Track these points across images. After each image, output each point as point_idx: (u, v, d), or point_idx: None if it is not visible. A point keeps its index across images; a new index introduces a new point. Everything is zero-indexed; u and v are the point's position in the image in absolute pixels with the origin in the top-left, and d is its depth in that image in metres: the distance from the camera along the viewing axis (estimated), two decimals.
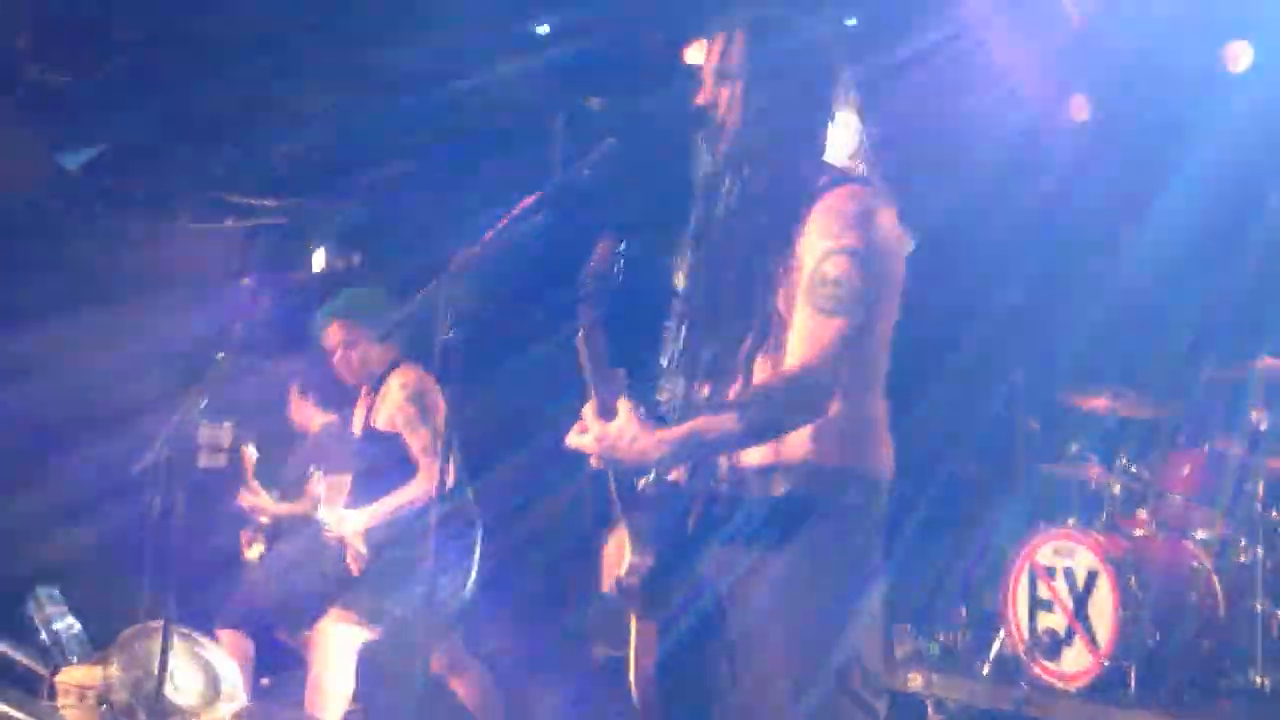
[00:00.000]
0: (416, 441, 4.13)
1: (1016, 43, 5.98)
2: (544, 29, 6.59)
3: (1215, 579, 4.92)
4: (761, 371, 2.22)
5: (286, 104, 7.56)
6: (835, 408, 2.14)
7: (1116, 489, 5.26)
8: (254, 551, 5.50)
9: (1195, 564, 4.98)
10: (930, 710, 5.44)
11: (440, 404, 4.20)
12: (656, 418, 2.22)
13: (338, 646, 4.04)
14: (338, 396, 5.28)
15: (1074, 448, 5.41)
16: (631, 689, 2.30)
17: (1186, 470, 5.09)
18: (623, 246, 2.19)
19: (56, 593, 5.43)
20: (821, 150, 2.31)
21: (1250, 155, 5.82)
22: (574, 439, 2.15)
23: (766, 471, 2.22)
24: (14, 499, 6.00)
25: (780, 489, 2.21)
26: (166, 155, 7.30)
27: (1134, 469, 5.24)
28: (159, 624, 4.08)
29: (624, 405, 2.10)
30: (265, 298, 4.35)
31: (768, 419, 2.10)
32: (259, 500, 5.47)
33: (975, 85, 6.33)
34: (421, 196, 7.15)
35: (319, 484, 4.31)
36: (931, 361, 8.07)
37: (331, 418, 5.57)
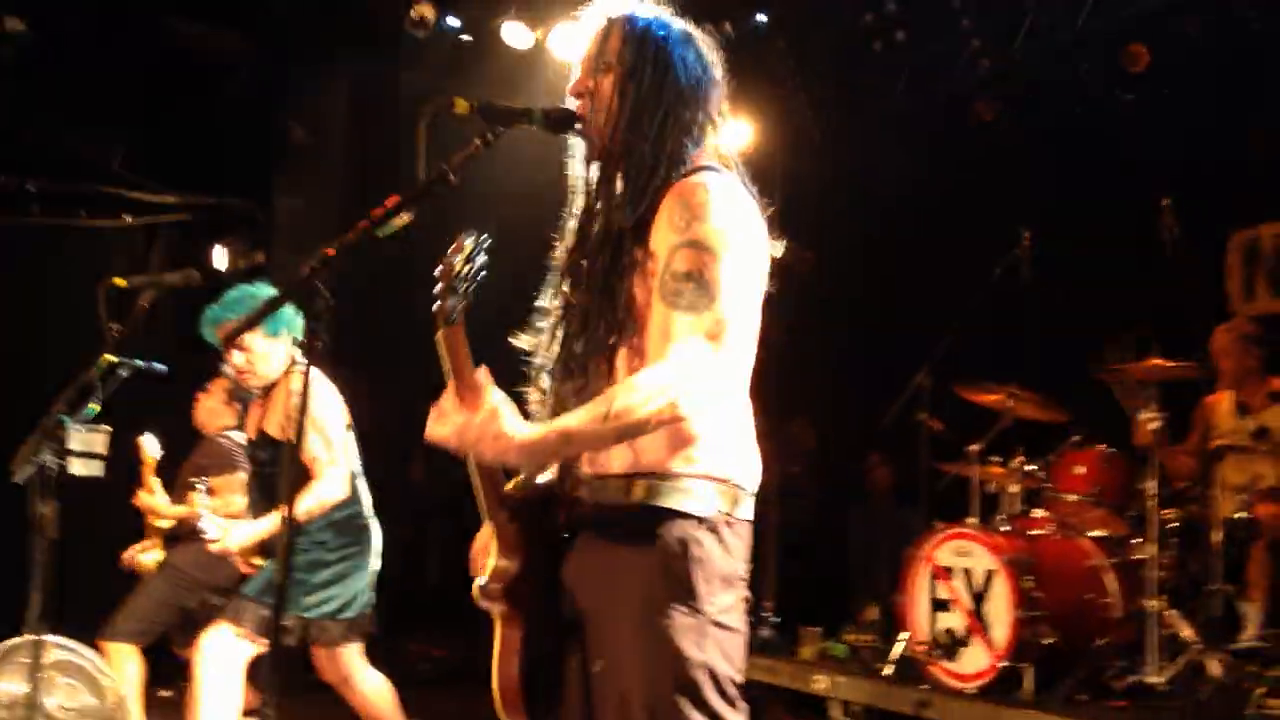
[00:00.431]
0: (306, 448, 4.02)
1: None
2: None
3: (1110, 578, 5.00)
4: (626, 366, 2.18)
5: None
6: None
7: (1014, 488, 5.32)
8: (150, 558, 5.35)
9: (1091, 563, 5.05)
10: (834, 712, 5.47)
11: (328, 409, 4.10)
12: (524, 415, 2.17)
13: (224, 659, 3.92)
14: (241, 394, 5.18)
15: (974, 448, 5.46)
16: (494, 690, 2.25)
17: (1082, 470, 5.16)
18: (483, 240, 2.13)
19: None
20: (691, 150, 2.24)
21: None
22: (432, 429, 2.09)
23: (626, 477, 2.18)
24: None
25: (638, 495, 2.17)
26: (63, 150, 7.12)
27: (1030, 468, 5.30)
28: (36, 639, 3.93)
29: (487, 397, 2.06)
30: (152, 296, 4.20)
31: (626, 420, 2.04)
32: (154, 502, 5.33)
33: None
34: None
35: (202, 493, 4.17)
36: (836, 363, 8.19)
37: (233, 420, 5.47)
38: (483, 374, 2.09)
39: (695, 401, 2.06)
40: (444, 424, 2.08)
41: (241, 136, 7.73)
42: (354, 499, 4.22)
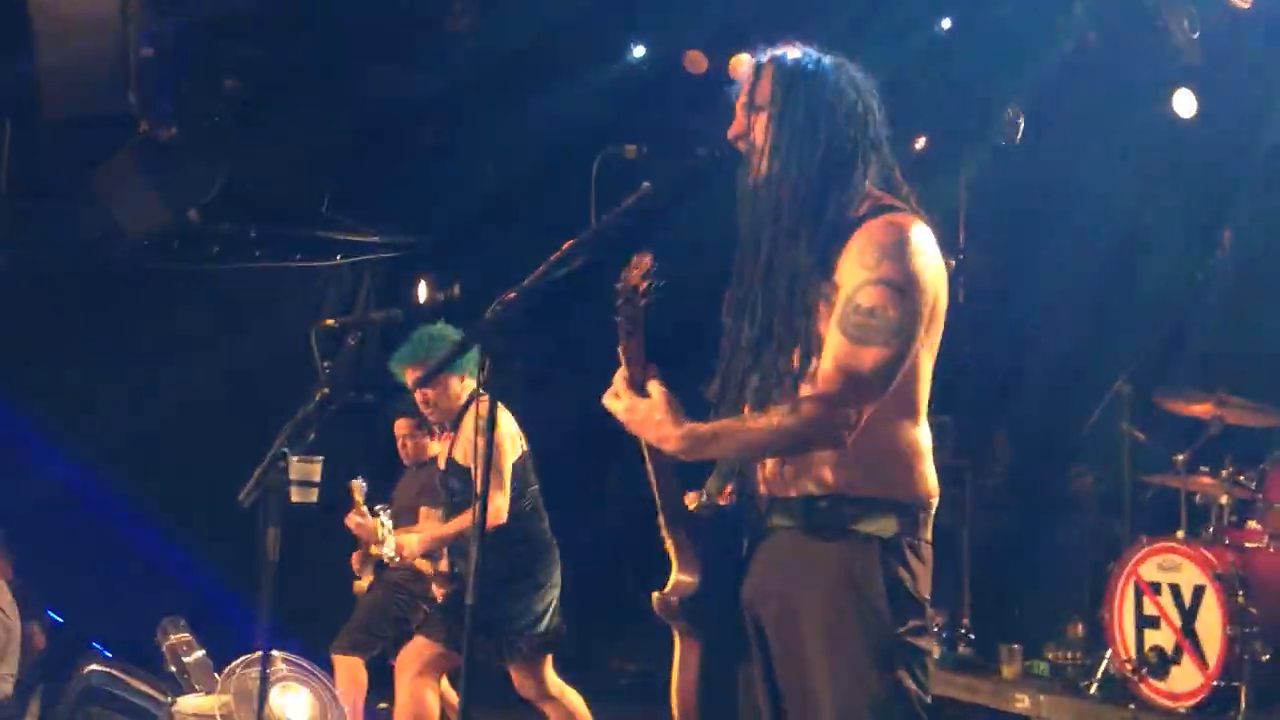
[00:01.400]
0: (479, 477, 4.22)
1: None
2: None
3: None
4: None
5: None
6: (864, 437, 2.16)
7: (1224, 500, 5.10)
8: (364, 579, 5.66)
9: None
10: None
11: (505, 439, 4.28)
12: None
13: (420, 672, 4.14)
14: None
15: (1181, 458, 5.26)
16: (672, 704, 2.34)
17: None
18: (656, 263, 2.21)
19: (183, 621, 5.64)
20: (859, 180, 2.31)
21: None
22: (608, 400, 2.27)
23: (811, 499, 2.25)
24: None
25: (825, 518, 2.24)
26: (276, 197, 7.63)
27: (1242, 479, 5.07)
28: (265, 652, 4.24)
29: (656, 386, 2.22)
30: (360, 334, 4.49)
31: (788, 437, 2.15)
32: (367, 525, 5.64)
33: None
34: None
35: (383, 518, 4.38)
36: (1036, 375, 7.98)
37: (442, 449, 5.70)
38: (655, 372, 2.25)
39: (854, 431, 2.14)
40: (617, 401, 2.26)
41: (441, 175, 8.13)
42: (536, 518, 4.40)
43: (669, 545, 2.34)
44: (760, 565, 2.34)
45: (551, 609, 4.36)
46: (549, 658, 4.41)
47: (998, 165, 8.13)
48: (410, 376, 4.37)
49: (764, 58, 2.37)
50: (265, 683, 4.01)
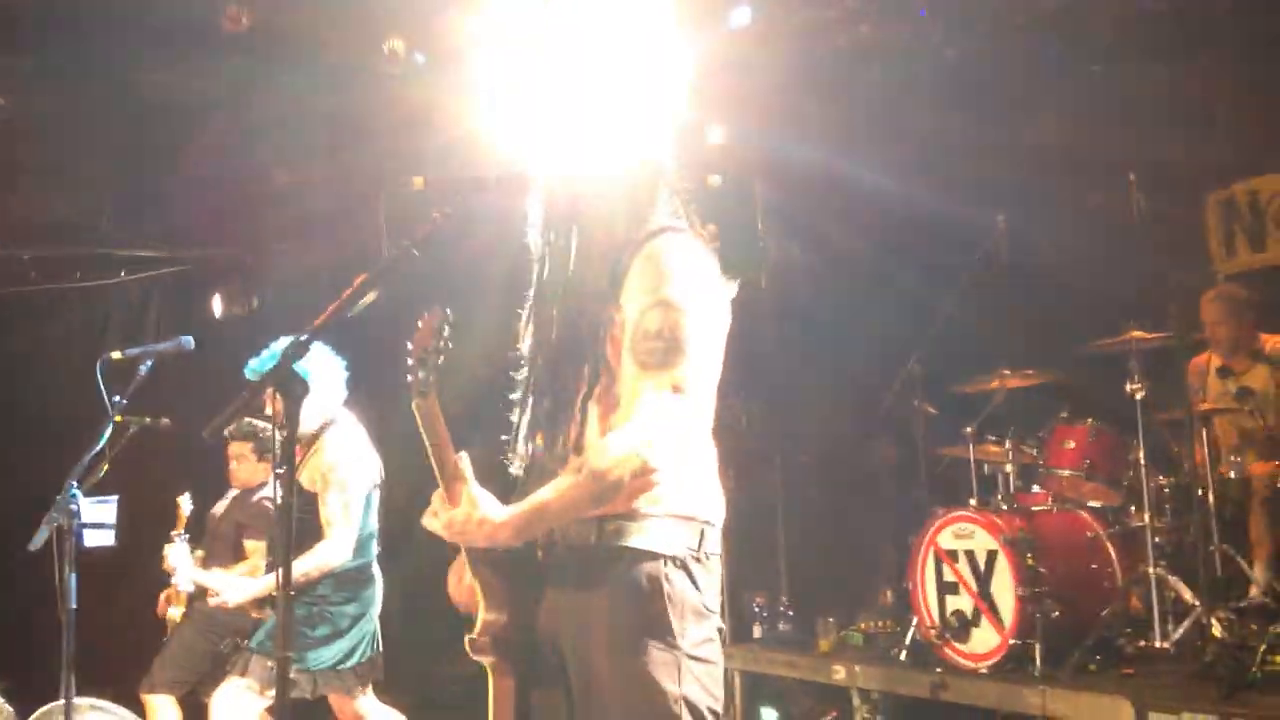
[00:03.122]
0: (324, 508, 4.15)
1: None
2: None
3: (1110, 548, 5.09)
4: (595, 418, 2.29)
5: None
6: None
7: (1010, 468, 5.41)
8: (175, 612, 5.44)
9: (1090, 534, 5.15)
10: (855, 700, 5.57)
11: (354, 470, 4.22)
12: (508, 479, 2.28)
13: (235, 712, 4.04)
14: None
15: (969, 430, 5.55)
16: None
17: (1072, 445, 5.25)
18: (450, 317, 2.22)
19: None
20: (645, 204, 2.34)
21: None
22: (427, 521, 2.23)
23: (592, 521, 2.26)
24: None
25: (607, 537, 2.26)
26: (51, 216, 7.23)
27: (1024, 446, 5.40)
28: (75, 702, 4.05)
29: (465, 492, 2.18)
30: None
31: (602, 487, 2.14)
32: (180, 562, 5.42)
33: None
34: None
35: (180, 547, 4.22)
36: (832, 362, 8.28)
37: (266, 476, 5.45)
38: (464, 463, 2.21)
39: (664, 453, 2.15)
40: (435, 520, 2.22)
41: (225, 184, 7.85)
42: (360, 553, 4.35)
43: (475, 586, 2.32)
44: (554, 590, 2.35)
45: (365, 641, 4.30)
46: (367, 688, 4.36)
47: None
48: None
49: None
50: None
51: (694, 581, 2.26)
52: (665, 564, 2.24)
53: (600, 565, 2.27)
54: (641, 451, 2.13)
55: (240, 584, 4.16)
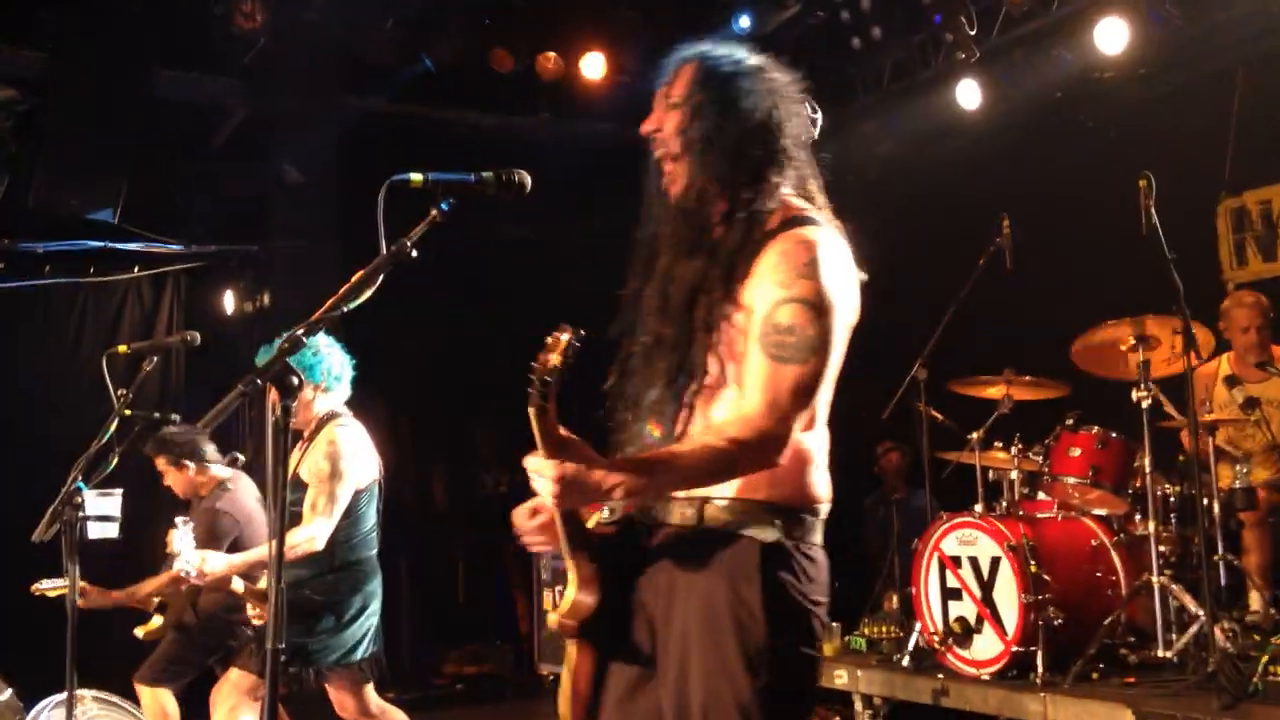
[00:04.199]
0: (309, 494, 4.18)
1: None
2: None
3: (1114, 556, 5.08)
4: (701, 411, 2.28)
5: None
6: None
7: (1015, 474, 5.40)
8: (156, 621, 5.38)
9: (1094, 542, 5.13)
10: (857, 705, 5.57)
11: (349, 466, 4.23)
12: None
13: (235, 707, 4.06)
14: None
15: (975, 436, 5.54)
16: (563, 708, 2.39)
17: (1077, 452, 5.23)
18: (579, 334, 2.20)
19: None
20: (769, 190, 2.29)
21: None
22: (537, 483, 2.18)
23: (695, 503, 2.27)
24: None
25: (710, 519, 2.26)
26: (66, 210, 7.27)
27: (1030, 454, 5.38)
28: (78, 693, 4.09)
29: (577, 449, 2.19)
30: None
31: (723, 465, 2.16)
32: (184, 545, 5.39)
33: None
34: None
35: (180, 528, 4.20)
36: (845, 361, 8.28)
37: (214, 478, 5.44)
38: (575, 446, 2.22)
39: (785, 446, 2.16)
40: (543, 478, 2.16)
41: (239, 181, 7.90)
42: (363, 547, 4.37)
43: (570, 569, 2.33)
44: (656, 570, 2.33)
45: (369, 636, 4.32)
46: (369, 683, 4.38)
47: None
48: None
49: (687, 54, 2.34)
50: None
51: (792, 570, 2.24)
52: (764, 550, 2.23)
53: (701, 548, 2.26)
54: (765, 444, 2.14)
55: (219, 556, 4.15)
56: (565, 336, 2.19)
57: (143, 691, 4.96)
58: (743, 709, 2.17)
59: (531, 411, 2.19)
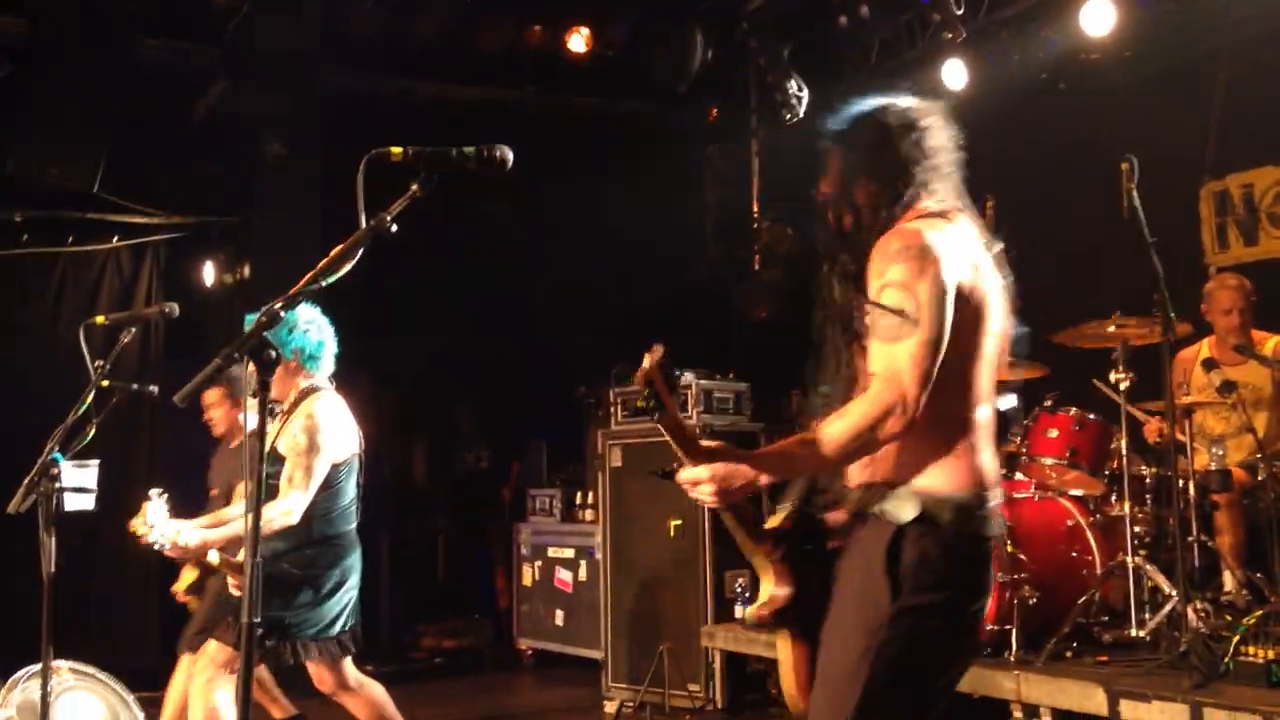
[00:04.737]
0: (286, 467, 4.16)
1: None
2: None
3: (1090, 536, 5.12)
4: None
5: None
6: (914, 429, 2.32)
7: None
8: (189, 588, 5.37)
9: (1070, 522, 5.17)
10: None
11: (326, 440, 4.22)
12: None
13: (212, 679, 4.05)
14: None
15: None
16: (790, 698, 2.58)
17: (1054, 433, 5.26)
18: (667, 352, 2.46)
19: None
20: (897, 198, 2.51)
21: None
22: (694, 492, 2.44)
23: (857, 490, 2.48)
24: None
25: (859, 504, 2.46)
26: (45, 179, 7.21)
27: (1008, 434, 5.41)
28: (54, 664, 4.07)
29: (720, 452, 2.44)
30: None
31: (846, 439, 2.34)
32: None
33: None
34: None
35: (154, 500, 4.16)
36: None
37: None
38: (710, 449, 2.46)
39: (907, 415, 2.30)
40: (699, 485, 2.42)
41: (220, 152, 7.85)
42: (342, 522, 4.36)
43: (766, 565, 2.51)
44: (834, 552, 2.56)
45: (347, 609, 4.31)
46: (347, 657, 4.38)
47: (788, 139, 8.40)
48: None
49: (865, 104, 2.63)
50: (47, 694, 3.89)
51: (923, 551, 2.37)
52: (897, 530, 2.38)
53: (856, 530, 2.47)
54: (885, 408, 2.30)
55: (193, 530, 4.12)
56: (659, 350, 2.47)
57: (184, 660, 4.86)
58: (851, 673, 2.35)
59: (662, 427, 2.44)
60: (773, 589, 2.48)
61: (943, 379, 2.33)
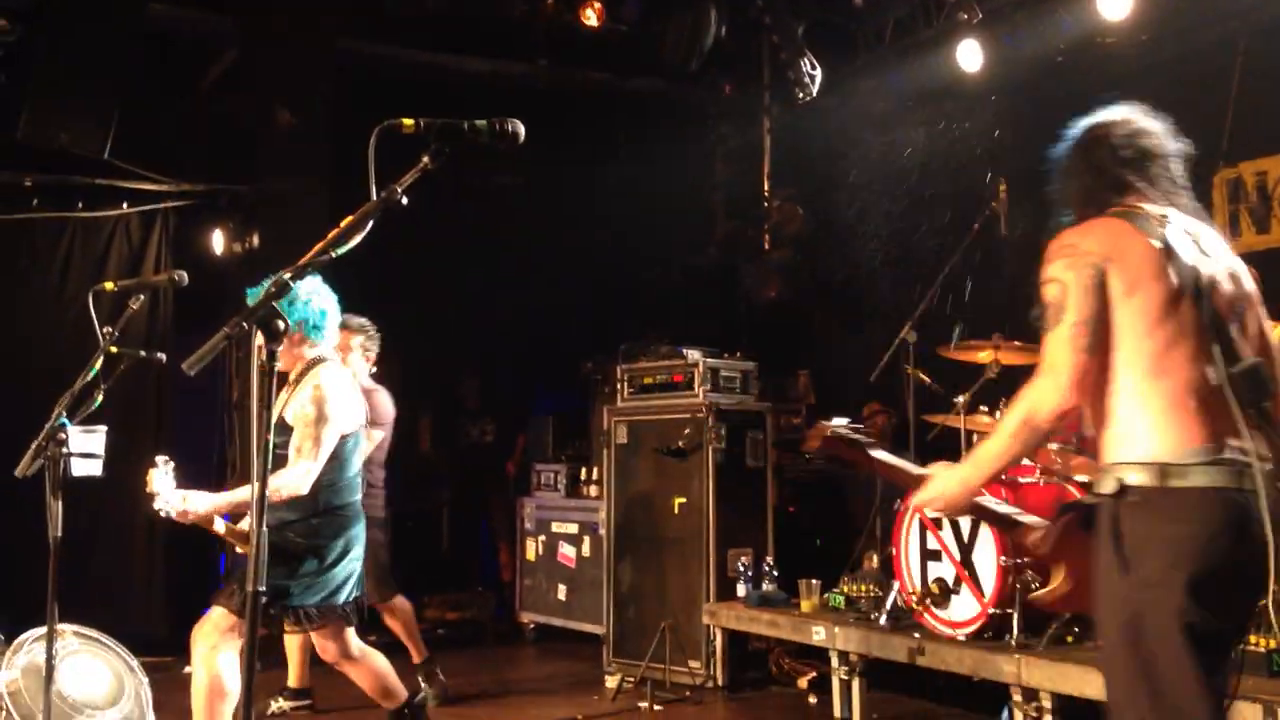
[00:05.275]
0: (295, 437, 4.17)
1: None
2: None
3: None
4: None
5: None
6: (1105, 407, 2.58)
7: (846, 421, 5.38)
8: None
9: None
10: (834, 661, 5.62)
11: (335, 412, 4.23)
12: None
13: (215, 646, 4.06)
14: None
15: (961, 399, 5.56)
16: None
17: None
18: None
19: None
20: (1079, 203, 2.80)
21: None
22: (921, 502, 2.83)
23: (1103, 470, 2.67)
24: None
25: (1094, 488, 2.67)
26: (56, 143, 7.19)
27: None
28: (59, 628, 4.09)
29: (933, 470, 2.82)
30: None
31: (1011, 428, 2.63)
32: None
33: None
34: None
35: (160, 468, 4.16)
36: (831, 318, 8.30)
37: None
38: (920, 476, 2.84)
39: (1062, 392, 2.55)
40: (926, 499, 2.82)
41: (231, 120, 7.83)
42: (347, 493, 4.37)
43: (1060, 563, 2.79)
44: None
45: (351, 579, 4.33)
46: (350, 626, 4.40)
47: (800, 118, 8.37)
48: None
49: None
50: (51, 657, 3.91)
51: (1142, 519, 2.52)
52: (1112, 503, 2.57)
53: (1098, 511, 2.66)
54: (1026, 403, 2.60)
55: (202, 497, 4.13)
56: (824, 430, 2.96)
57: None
58: (1111, 642, 2.58)
59: (878, 467, 2.87)
60: (1061, 586, 2.75)
61: (1119, 358, 2.55)
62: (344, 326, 5.77)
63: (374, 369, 5.96)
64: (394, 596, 5.96)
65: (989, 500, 2.92)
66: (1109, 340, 2.57)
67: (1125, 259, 2.60)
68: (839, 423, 2.94)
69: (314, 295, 4.37)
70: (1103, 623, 2.60)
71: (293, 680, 5.83)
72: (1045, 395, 2.57)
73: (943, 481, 2.78)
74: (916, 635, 5.18)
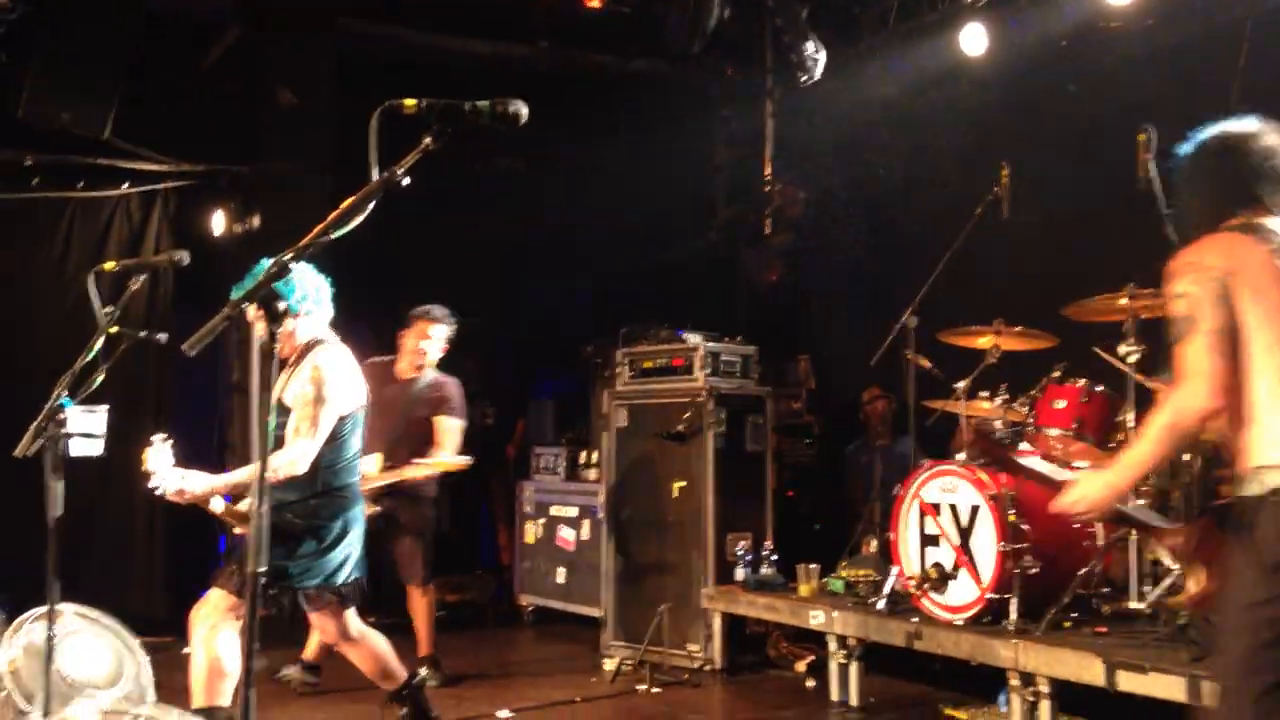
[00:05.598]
0: (293, 418, 4.17)
1: None
2: None
3: None
4: None
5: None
6: (1239, 415, 2.67)
7: (999, 424, 5.42)
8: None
9: None
10: (832, 645, 5.64)
11: (333, 392, 4.22)
12: None
13: (215, 626, 4.07)
14: None
15: (961, 385, 5.56)
16: None
17: (1063, 404, 5.24)
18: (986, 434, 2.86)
19: None
20: (1198, 215, 2.92)
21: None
22: (1064, 508, 2.99)
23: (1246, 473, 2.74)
24: None
25: (1242, 487, 2.72)
26: (56, 123, 7.17)
27: (1015, 405, 5.40)
28: (59, 608, 4.09)
29: (1077, 477, 3.00)
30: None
31: (1155, 433, 2.75)
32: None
33: None
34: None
35: (158, 445, 4.16)
36: (837, 305, 8.29)
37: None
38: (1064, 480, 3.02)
39: (1202, 399, 2.66)
40: (1070, 503, 2.96)
41: (232, 100, 7.80)
42: (346, 474, 4.37)
43: (1201, 564, 2.88)
44: None
45: (350, 560, 4.33)
46: (350, 608, 4.41)
47: (802, 100, 8.34)
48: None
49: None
50: (52, 636, 3.91)
51: (1255, 531, 2.63)
52: (1236, 512, 2.68)
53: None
54: (1179, 397, 2.70)
55: (200, 477, 4.13)
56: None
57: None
58: (1222, 664, 2.74)
59: (1024, 471, 3.15)
60: (1204, 586, 2.83)
61: (1255, 365, 2.64)
62: (428, 317, 5.89)
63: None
64: (430, 581, 6.10)
65: (1130, 506, 3.04)
66: (1241, 348, 2.67)
67: (1247, 270, 2.71)
68: (994, 425, 3.05)
69: (303, 275, 4.36)
70: (1228, 619, 2.67)
71: (308, 653, 5.87)
72: (1190, 399, 2.66)
73: (1087, 485, 2.91)
74: (914, 620, 5.19)
